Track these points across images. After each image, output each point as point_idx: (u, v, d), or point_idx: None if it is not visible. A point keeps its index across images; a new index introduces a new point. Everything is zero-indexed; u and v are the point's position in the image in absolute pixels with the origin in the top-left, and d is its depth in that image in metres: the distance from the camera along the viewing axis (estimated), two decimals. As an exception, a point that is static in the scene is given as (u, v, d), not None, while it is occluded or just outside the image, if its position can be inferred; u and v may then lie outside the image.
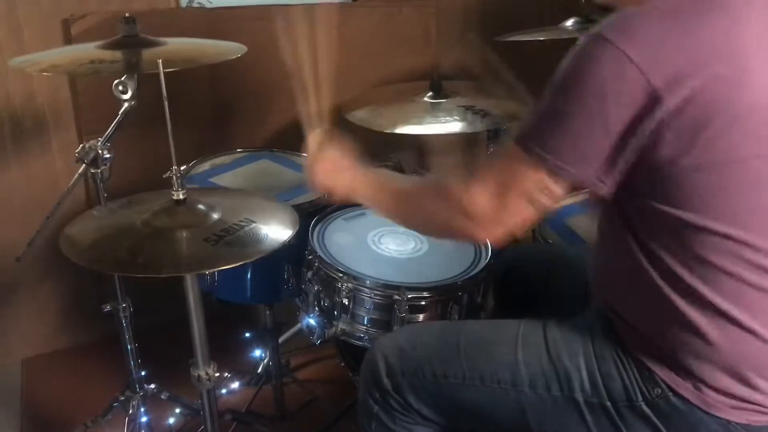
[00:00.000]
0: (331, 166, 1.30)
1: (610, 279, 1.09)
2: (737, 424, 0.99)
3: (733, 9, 0.90)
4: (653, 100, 0.87)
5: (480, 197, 1.02)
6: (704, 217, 0.93)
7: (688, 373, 1.00)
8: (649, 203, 0.95)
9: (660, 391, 1.01)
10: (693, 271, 0.96)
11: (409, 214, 1.20)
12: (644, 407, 1.03)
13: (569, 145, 0.93)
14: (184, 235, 1.23)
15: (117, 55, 1.41)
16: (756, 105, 0.88)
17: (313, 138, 1.35)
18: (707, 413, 0.99)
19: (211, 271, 1.58)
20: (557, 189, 0.97)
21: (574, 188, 0.98)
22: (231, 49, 1.55)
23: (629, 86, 0.87)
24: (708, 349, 0.98)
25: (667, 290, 0.98)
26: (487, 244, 1.53)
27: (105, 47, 1.43)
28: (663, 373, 1.01)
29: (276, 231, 1.28)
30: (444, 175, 1.13)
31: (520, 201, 1.00)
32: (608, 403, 1.05)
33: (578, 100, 0.91)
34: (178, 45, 1.52)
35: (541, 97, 0.96)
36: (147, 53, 1.42)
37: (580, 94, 0.90)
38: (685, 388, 1.00)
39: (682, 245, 0.95)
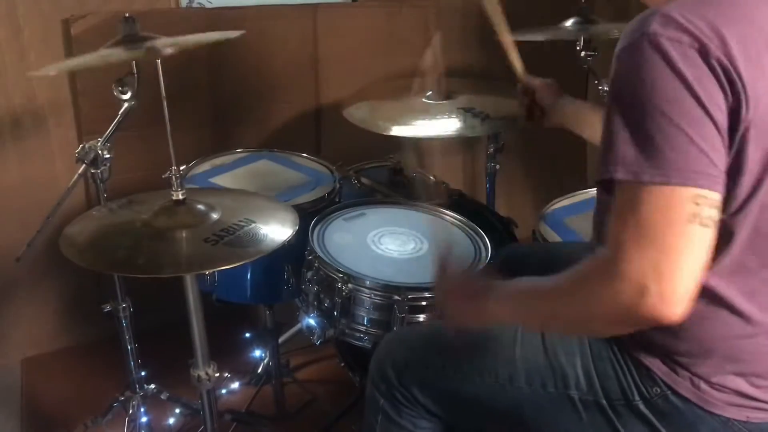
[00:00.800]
0: (462, 295, 1.12)
1: None
2: (736, 421, 0.99)
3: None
4: (722, 64, 0.83)
5: (636, 264, 0.82)
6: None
7: (686, 372, 1.00)
8: None
9: (658, 389, 1.01)
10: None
11: (568, 314, 0.96)
12: (641, 406, 1.03)
13: (694, 149, 0.83)
14: (184, 235, 1.24)
15: (118, 52, 1.41)
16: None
17: (446, 274, 1.20)
18: (706, 411, 0.99)
19: (210, 271, 1.58)
20: (713, 196, 0.84)
21: (720, 190, 0.85)
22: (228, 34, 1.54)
23: (701, 69, 0.82)
24: (706, 347, 0.98)
25: None
26: (486, 242, 1.53)
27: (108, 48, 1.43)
28: (661, 372, 1.01)
29: (276, 231, 1.28)
30: (574, 267, 0.94)
31: (682, 229, 0.82)
32: (604, 401, 1.05)
33: (662, 100, 0.83)
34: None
35: (620, 123, 0.86)
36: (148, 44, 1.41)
37: (659, 95, 0.83)
38: (683, 386, 1.00)
39: None
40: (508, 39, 1.66)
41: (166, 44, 1.31)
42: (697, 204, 0.82)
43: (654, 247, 0.82)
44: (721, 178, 0.84)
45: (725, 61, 0.83)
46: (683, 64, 0.82)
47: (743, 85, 0.83)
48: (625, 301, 0.83)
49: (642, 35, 0.85)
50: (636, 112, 0.84)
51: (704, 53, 0.83)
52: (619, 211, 0.86)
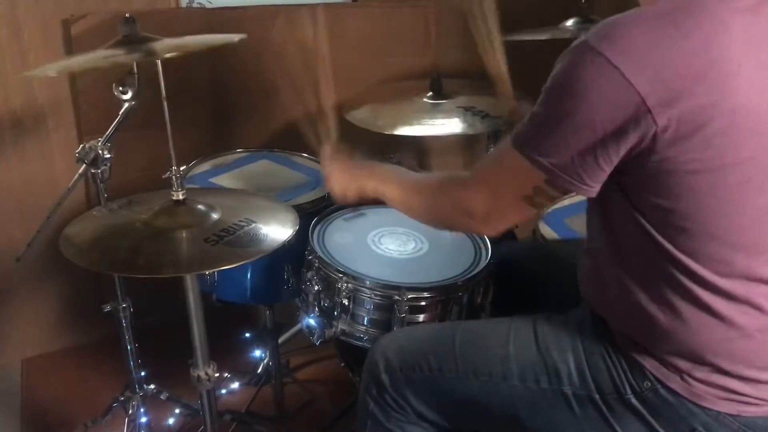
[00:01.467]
0: (344, 170, 1.38)
1: (600, 273, 1.09)
2: (727, 414, 1.00)
3: (715, 14, 0.89)
4: (639, 108, 0.87)
5: (478, 197, 1.07)
6: (689, 217, 0.93)
7: (676, 366, 1.01)
8: (640, 201, 0.97)
9: (649, 384, 1.02)
10: (679, 267, 0.96)
11: (416, 207, 1.25)
12: (633, 400, 1.03)
13: (561, 149, 0.93)
14: (184, 235, 1.23)
15: (118, 53, 1.41)
16: (742, 108, 0.88)
17: (325, 151, 1.45)
18: (697, 405, 1.00)
19: (210, 271, 1.57)
20: (553, 192, 0.99)
21: (566, 192, 1.00)
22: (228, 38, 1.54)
23: (615, 94, 0.87)
24: (696, 343, 0.98)
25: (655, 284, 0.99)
26: (487, 242, 1.53)
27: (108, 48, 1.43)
28: (652, 366, 1.02)
29: (276, 231, 1.28)
30: (450, 172, 1.20)
31: (518, 202, 1.03)
32: (596, 396, 1.06)
33: (566, 105, 0.91)
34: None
35: (536, 102, 0.97)
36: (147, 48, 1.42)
37: (567, 99, 0.91)
38: (673, 380, 1.01)
39: (669, 242, 0.96)
40: (502, 68, 1.65)
41: (166, 48, 1.31)
42: (534, 192, 0.99)
43: (493, 197, 1.06)
44: (572, 183, 0.95)
45: (641, 88, 0.86)
46: (597, 81, 0.88)
47: (651, 113, 0.87)
48: (458, 211, 1.12)
49: (583, 42, 0.90)
50: (546, 102, 0.96)
51: (626, 76, 0.86)
52: (493, 155, 1.17)
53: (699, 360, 0.99)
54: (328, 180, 1.41)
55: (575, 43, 0.92)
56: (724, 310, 0.96)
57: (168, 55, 1.25)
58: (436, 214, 1.22)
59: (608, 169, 0.94)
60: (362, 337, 1.43)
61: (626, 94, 0.87)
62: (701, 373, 1.00)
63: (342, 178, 1.37)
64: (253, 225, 1.27)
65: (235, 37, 1.50)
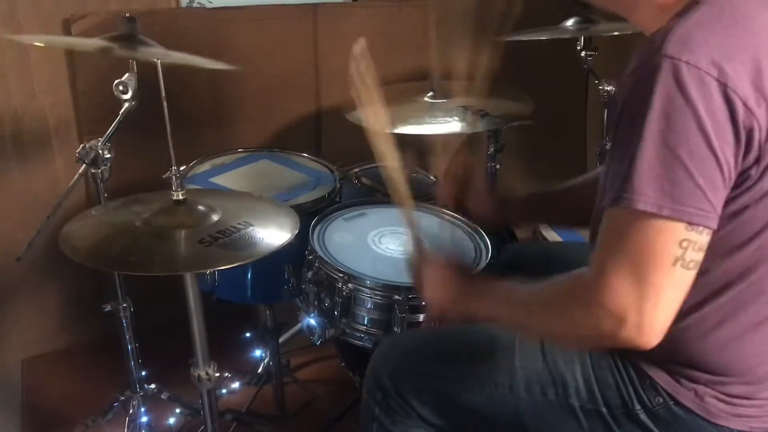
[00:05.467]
0: (448, 285, 1.13)
1: None
2: (739, 431, 0.98)
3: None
4: (742, 108, 0.80)
5: (620, 290, 0.83)
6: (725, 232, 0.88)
7: (689, 382, 0.99)
8: None
9: (661, 399, 1.00)
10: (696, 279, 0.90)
11: (543, 330, 1.02)
12: (642, 415, 1.01)
13: (692, 184, 0.81)
14: (179, 235, 1.23)
15: (115, 47, 1.41)
16: None
17: (420, 246, 1.22)
18: (709, 421, 0.98)
19: (200, 271, 1.56)
20: (701, 237, 0.83)
21: (711, 230, 0.84)
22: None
23: (716, 102, 0.79)
24: (709, 358, 0.97)
25: None
26: (487, 242, 1.53)
27: (107, 40, 1.43)
28: (664, 382, 1.00)
29: (272, 235, 1.27)
30: (560, 279, 0.96)
31: (670, 272, 0.83)
32: (604, 410, 1.04)
33: (671, 133, 0.80)
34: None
35: (625, 147, 0.84)
36: (145, 52, 1.42)
37: (668, 126, 0.80)
38: (687, 397, 0.99)
39: None
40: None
41: (157, 55, 1.31)
42: (682, 247, 0.82)
43: (637, 282, 0.83)
44: (714, 216, 0.83)
45: (741, 92, 0.80)
46: (696, 93, 0.79)
47: (755, 116, 0.81)
48: (602, 327, 0.86)
49: (659, 59, 0.81)
50: (642, 140, 0.81)
51: (722, 82, 0.80)
52: (607, 237, 0.87)
53: (715, 373, 0.97)
54: (423, 285, 1.16)
55: (645, 59, 0.83)
56: None
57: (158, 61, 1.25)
58: (569, 333, 0.95)
59: (726, 186, 0.84)
60: (362, 337, 1.43)
61: (725, 97, 0.80)
62: (717, 388, 0.98)
63: (446, 295, 1.13)
64: (250, 228, 1.26)
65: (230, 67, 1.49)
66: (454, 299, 1.11)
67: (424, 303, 1.16)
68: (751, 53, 0.82)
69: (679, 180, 0.81)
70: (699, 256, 0.84)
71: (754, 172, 0.84)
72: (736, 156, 0.82)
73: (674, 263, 0.82)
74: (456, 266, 1.17)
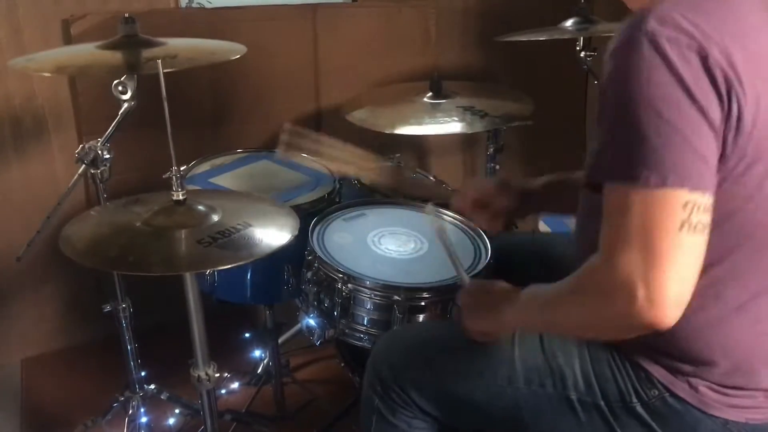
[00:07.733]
0: (482, 308, 1.14)
1: None
2: (735, 422, 0.99)
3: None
4: (721, 75, 0.82)
5: (629, 263, 0.82)
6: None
7: (684, 374, 1.00)
8: None
9: (656, 392, 1.01)
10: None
11: (562, 322, 1.00)
12: (639, 408, 1.02)
13: (688, 149, 0.81)
14: (178, 235, 1.23)
15: (117, 55, 1.41)
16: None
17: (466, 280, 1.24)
18: (705, 413, 0.99)
19: (198, 272, 1.55)
20: (704, 199, 0.82)
21: (712, 191, 0.84)
22: (231, 49, 1.55)
23: (698, 69, 0.81)
24: (693, 344, 0.97)
25: None
26: (486, 242, 1.53)
27: (105, 47, 1.43)
28: (659, 374, 1.01)
29: (272, 236, 1.27)
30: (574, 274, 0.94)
31: (677, 237, 0.81)
32: (602, 403, 1.05)
33: (665, 107, 0.81)
34: (177, 45, 1.51)
35: (612, 124, 0.86)
36: (147, 53, 1.42)
37: (659, 99, 0.82)
38: (682, 389, 1.00)
39: None
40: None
41: (162, 54, 1.31)
42: (687, 209, 0.81)
43: (643, 254, 0.81)
44: (713, 179, 0.84)
45: (723, 62, 0.82)
46: (680, 64, 0.81)
47: (741, 85, 0.82)
48: (617, 309, 0.84)
49: (639, 33, 0.83)
50: (630, 113, 0.82)
51: (702, 54, 0.82)
52: (609, 217, 0.86)
53: (710, 366, 0.98)
54: (465, 317, 1.17)
55: (626, 37, 0.85)
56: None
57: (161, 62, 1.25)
58: (592, 323, 0.93)
59: (718, 148, 0.84)
60: (362, 337, 1.43)
61: (704, 60, 0.82)
62: (711, 380, 0.98)
63: (484, 322, 1.14)
64: (249, 228, 1.26)
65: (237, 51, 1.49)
66: (491, 324, 1.13)
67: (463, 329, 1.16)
68: (730, 32, 0.84)
69: (676, 146, 0.81)
70: (706, 218, 0.82)
71: (731, 139, 0.84)
72: (723, 121, 0.83)
73: (680, 227, 0.81)
74: (482, 289, 1.17)
